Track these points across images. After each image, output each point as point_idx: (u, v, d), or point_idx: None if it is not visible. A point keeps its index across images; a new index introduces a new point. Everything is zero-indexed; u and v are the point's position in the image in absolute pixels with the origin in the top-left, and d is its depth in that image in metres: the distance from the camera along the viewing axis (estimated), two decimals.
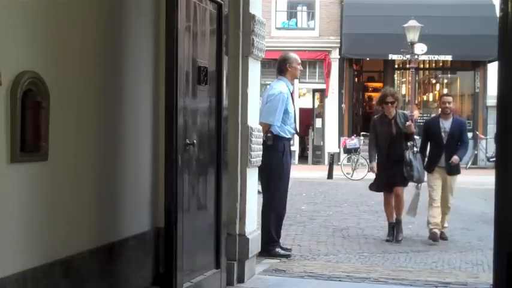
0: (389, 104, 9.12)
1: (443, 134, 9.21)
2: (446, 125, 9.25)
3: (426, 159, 9.37)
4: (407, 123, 9.13)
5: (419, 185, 9.27)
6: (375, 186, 9.45)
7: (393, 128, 9.10)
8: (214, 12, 5.38)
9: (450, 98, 9.67)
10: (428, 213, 9.19)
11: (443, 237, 9.19)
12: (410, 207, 9.48)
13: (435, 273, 6.84)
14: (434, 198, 9.20)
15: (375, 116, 9.82)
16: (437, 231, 9.01)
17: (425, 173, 9.29)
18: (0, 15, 3.46)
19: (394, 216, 9.12)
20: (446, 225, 9.35)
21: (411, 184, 9.33)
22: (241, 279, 5.88)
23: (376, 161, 9.41)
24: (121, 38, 4.77)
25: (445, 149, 9.14)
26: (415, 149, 9.30)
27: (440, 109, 9.64)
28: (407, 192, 9.46)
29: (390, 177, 9.06)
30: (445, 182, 9.22)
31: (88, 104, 4.34)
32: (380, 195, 9.67)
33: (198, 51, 5.13)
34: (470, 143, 24.57)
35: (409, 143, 9.20)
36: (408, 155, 9.03)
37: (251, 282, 5.97)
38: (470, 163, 23.39)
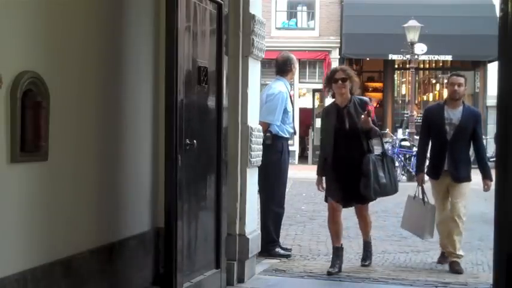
0: (340, 82, 6.49)
1: (447, 127, 6.92)
2: (453, 115, 6.92)
3: (428, 161, 7.40)
4: (363, 115, 6.46)
5: (417, 192, 7.21)
6: (330, 195, 6.73)
7: (345, 121, 6.54)
8: (214, 12, 5.38)
9: (462, 79, 7.07)
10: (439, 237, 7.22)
11: (455, 268, 6.81)
12: (424, 228, 7.20)
13: (435, 273, 6.84)
14: (438, 217, 7.08)
15: (326, 105, 7.62)
16: (458, 260, 6.88)
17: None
18: (0, 15, 3.46)
19: (341, 240, 6.83)
20: (460, 252, 6.94)
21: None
22: (241, 279, 5.88)
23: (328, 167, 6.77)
24: (121, 37, 4.77)
25: (448, 148, 6.90)
26: (387, 149, 7.28)
27: (447, 94, 7.26)
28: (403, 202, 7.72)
29: (346, 190, 6.59)
30: (450, 190, 7.01)
31: (88, 104, 4.34)
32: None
33: (198, 51, 5.14)
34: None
35: (372, 141, 6.71)
36: (369, 160, 6.41)
37: (251, 282, 5.97)
38: None
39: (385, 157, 6.67)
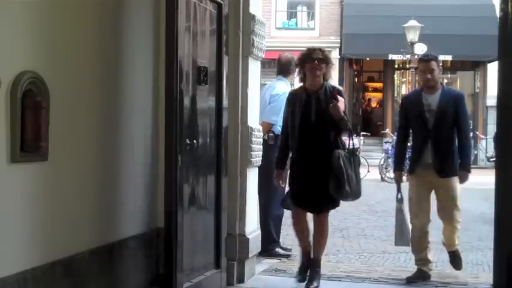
0: (316, 62, 5.59)
1: (427, 114, 6.10)
2: (431, 100, 6.11)
3: (409, 154, 6.44)
4: (332, 103, 5.50)
5: (399, 194, 6.27)
6: (287, 202, 5.93)
7: (312, 109, 5.60)
8: (214, 12, 5.38)
9: (433, 64, 6.12)
10: (411, 242, 6.30)
11: (456, 263, 6.43)
12: (397, 235, 6.36)
13: (435, 273, 6.83)
14: (416, 217, 6.15)
15: (293, 89, 6.50)
16: (425, 269, 6.21)
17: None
18: (0, 15, 3.46)
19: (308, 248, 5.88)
20: (457, 242, 6.37)
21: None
22: (241, 279, 5.88)
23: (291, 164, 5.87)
24: (121, 37, 4.77)
25: (431, 136, 6.06)
26: (356, 145, 6.25)
27: (422, 82, 6.44)
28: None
29: (309, 192, 5.63)
30: (436, 188, 6.12)
31: (88, 104, 4.34)
32: (379, 194, 9.29)
33: (198, 51, 5.13)
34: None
35: (343, 135, 5.78)
36: (339, 156, 5.47)
37: (251, 282, 5.97)
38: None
39: (353, 156, 5.64)
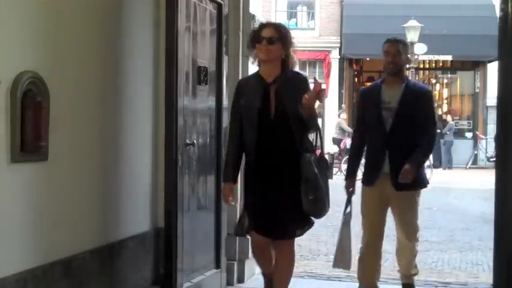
0: (265, 42, 4.41)
1: (385, 113, 5.03)
2: (392, 96, 5.06)
3: (364, 161, 5.35)
4: (306, 94, 4.34)
5: (349, 207, 5.28)
6: (241, 229, 4.64)
7: (272, 105, 4.42)
8: (214, 12, 5.39)
9: (399, 46, 5.14)
10: (357, 264, 5.38)
11: None
12: (338, 253, 5.28)
13: (435, 273, 6.84)
14: (370, 233, 5.23)
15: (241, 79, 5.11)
16: (411, 281, 5.36)
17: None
18: (0, 15, 3.46)
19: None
20: (413, 272, 5.36)
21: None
22: (241, 279, 5.88)
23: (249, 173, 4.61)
24: (121, 37, 4.77)
25: (389, 140, 5.02)
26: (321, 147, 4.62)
27: (383, 67, 5.31)
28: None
29: (272, 211, 4.41)
30: (392, 203, 5.15)
31: (88, 104, 4.34)
32: None
33: (198, 51, 5.14)
34: (470, 143, 24.93)
35: (310, 137, 4.57)
36: (310, 161, 4.38)
37: (251, 282, 5.97)
38: (470, 163, 23.41)
39: (321, 161, 4.50)
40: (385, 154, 5.05)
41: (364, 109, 5.29)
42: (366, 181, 5.24)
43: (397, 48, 5.13)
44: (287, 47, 4.51)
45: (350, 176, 5.34)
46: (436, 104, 25.99)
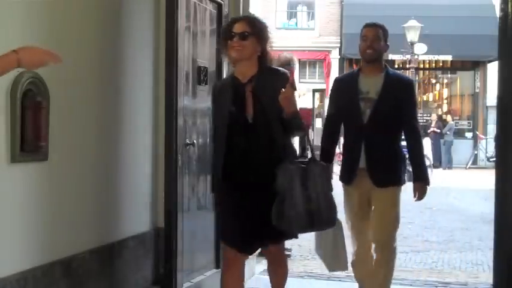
0: (237, 39, 3.95)
1: (362, 103, 4.67)
2: (370, 85, 4.68)
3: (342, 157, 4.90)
4: (284, 89, 3.85)
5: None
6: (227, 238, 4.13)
7: (248, 107, 3.97)
8: (214, 12, 5.39)
9: (379, 32, 4.74)
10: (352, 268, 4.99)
11: None
12: (331, 256, 4.69)
13: (435, 273, 6.85)
14: (356, 245, 4.89)
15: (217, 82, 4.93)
16: None
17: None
18: (0, 15, 3.46)
19: None
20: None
21: None
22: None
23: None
24: (121, 38, 4.77)
25: (365, 133, 4.66)
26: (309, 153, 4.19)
27: (360, 53, 4.76)
28: None
29: (250, 226, 3.96)
30: (373, 200, 4.77)
31: (88, 103, 4.34)
32: None
33: (198, 51, 5.14)
34: (470, 143, 24.95)
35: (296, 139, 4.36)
36: (287, 170, 3.86)
37: (251, 282, 5.97)
38: (470, 163, 23.41)
39: (313, 165, 3.98)
40: (361, 147, 4.68)
41: (339, 98, 4.85)
42: (344, 179, 4.84)
43: (376, 33, 4.74)
44: (263, 42, 4.04)
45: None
46: (436, 104, 26.03)
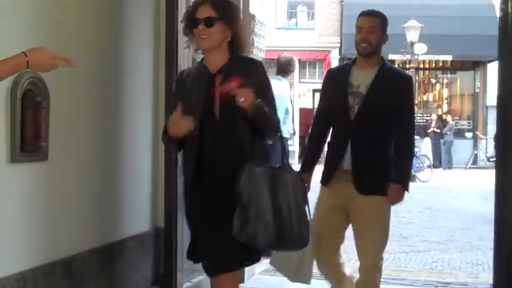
0: (202, 26, 3.46)
1: (351, 98, 4.20)
2: (362, 78, 4.22)
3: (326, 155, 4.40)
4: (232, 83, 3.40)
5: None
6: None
7: (217, 102, 3.47)
8: None
9: (376, 21, 4.28)
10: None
11: None
12: (291, 267, 4.27)
13: (435, 273, 6.84)
14: (320, 247, 4.26)
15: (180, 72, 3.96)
16: None
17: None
18: (0, 15, 3.46)
19: None
20: None
21: None
22: (241, 279, 5.87)
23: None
24: (121, 37, 4.77)
25: (352, 131, 4.19)
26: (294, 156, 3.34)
27: (355, 45, 4.32)
28: None
29: (207, 236, 3.51)
30: (353, 210, 4.22)
31: (88, 103, 4.34)
32: None
33: (198, 51, 5.13)
34: (470, 143, 24.96)
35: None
36: (252, 174, 3.36)
37: (251, 282, 5.97)
38: (470, 163, 23.42)
39: (285, 172, 3.47)
40: (347, 146, 4.17)
41: (330, 92, 4.40)
42: (323, 179, 4.33)
43: (372, 23, 4.27)
44: (233, 26, 3.52)
45: (305, 171, 4.25)
46: (436, 104, 26.03)
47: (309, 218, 3.58)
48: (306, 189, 3.68)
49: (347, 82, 4.25)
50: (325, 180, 4.32)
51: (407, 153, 4.35)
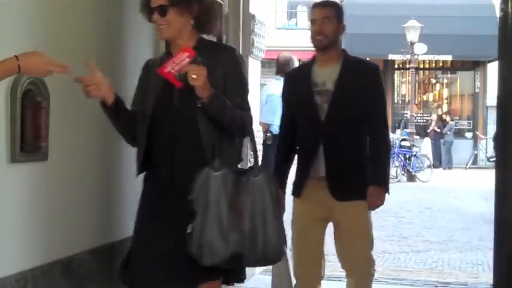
0: (156, 16, 3.26)
1: (318, 98, 3.89)
2: (326, 76, 3.90)
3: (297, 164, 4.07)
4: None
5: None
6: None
7: (175, 90, 3.14)
8: None
9: (329, 12, 3.95)
10: None
11: None
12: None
13: (435, 273, 6.85)
14: (300, 264, 4.06)
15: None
16: None
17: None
18: (0, 15, 3.46)
19: None
20: None
21: None
22: (241, 279, 5.87)
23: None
24: (121, 37, 4.76)
25: (324, 134, 3.88)
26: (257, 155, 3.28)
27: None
28: None
29: (170, 252, 3.13)
30: (333, 219, 3.99)
31: (88, 103, 4.33)
32: None
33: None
34: (470, 143, 24.96)
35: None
36: (209, 180, 2.96)
37: (251, 282, 5.97)
38: (470, 163, 23.42)
39: (252, 174, 3.01)
40: (319, 150, 3.84)
41: (293, 97, 4.07)
42: (294, 190, 3.97)
43: (326, 13, 3.93)
44: (191, 9, 3.17)
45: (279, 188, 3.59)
46: (436, 104, 26.04)
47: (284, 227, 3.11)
48: (279, 192, 3.26)
49: (310, 82, 3.93)
50: (297, 191, 3.95)
51: (384, 151, 3.98)
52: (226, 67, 3.14)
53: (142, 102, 3.24)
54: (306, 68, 4.07)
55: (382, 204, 3.91)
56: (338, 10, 4.06)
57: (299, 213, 4.00)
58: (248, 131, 3.19)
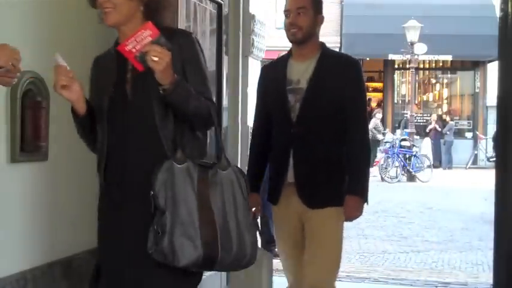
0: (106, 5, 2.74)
1: (291, 96, 3.58)
2: (301, 72, 3.59)
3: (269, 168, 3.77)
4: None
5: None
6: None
7: (128, 79, 2.82)
8: (214, 12, 5.39)
9: (302, 2, 3.56)
10: None
11: None
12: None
13: (435, 273, 6.85)
14: (290, 272, 3.82)
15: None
16: None
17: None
18: (0, 15, 3.46)
19: None
20: None
21: None
22: None
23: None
24: None
25: (293, 136, 3.57)
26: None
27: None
28: None
29: (120, 252, 2.80)
30: (306, 226, 3.62)
31: None
32: (379, 194, 9.24)
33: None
34: (470, 143, 24.96)
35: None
36: (170, 170, 2.56)
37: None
38: (470, 163, 23.42)
39: (219, 169, 2.71)
40: (289, 155, 3.54)
41: (267, 94, 3.74)
42: (269, 196, 3.73)
43: (301, 3, 3.56)
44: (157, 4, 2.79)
45: (252, 189, 3.17)
46: (436, 104, 26.04)
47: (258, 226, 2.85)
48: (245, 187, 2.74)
49: (284, 78, 3.60)
50: (273, 198, 3.69)
51: (363, 157, 3.59)
52: (185, 54, 2.79)
53: (97, 106, 2.87)
54: (282, 62, 3.71)
55: (361, 215, 3.60)
56: (319, 3, 3.69)
57: (278, 220, 3.77)
58: (213, 123, 2.84)
